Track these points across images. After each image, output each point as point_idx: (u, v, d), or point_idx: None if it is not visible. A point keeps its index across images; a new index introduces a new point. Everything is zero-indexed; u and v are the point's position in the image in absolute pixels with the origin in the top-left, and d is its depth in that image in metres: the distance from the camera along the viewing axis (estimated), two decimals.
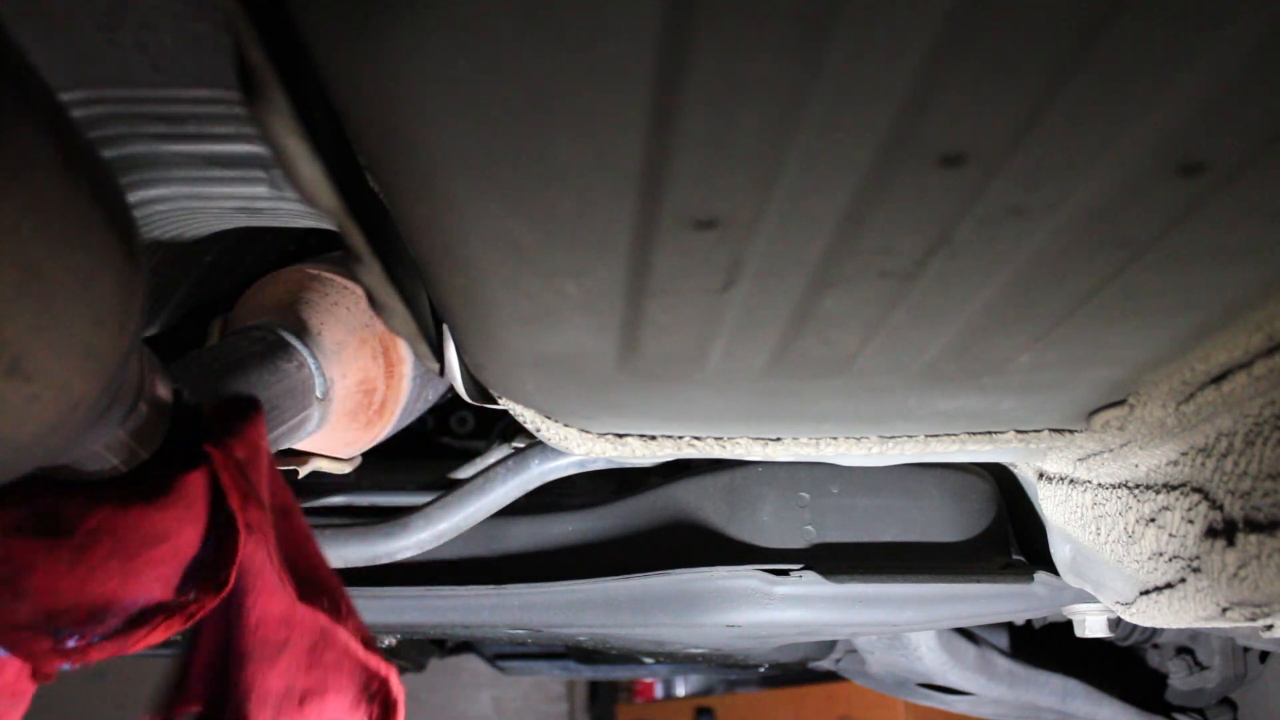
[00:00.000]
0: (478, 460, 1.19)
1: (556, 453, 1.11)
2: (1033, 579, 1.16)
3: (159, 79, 0.75)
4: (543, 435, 0.94)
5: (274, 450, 0.81)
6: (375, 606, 1.22)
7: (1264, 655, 1.67)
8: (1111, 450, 0.91)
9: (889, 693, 1.86)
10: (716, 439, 0.95)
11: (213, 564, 0.65)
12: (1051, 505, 1.05)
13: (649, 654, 1.88)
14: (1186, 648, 1.69)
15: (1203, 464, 0.81)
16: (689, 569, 1.13)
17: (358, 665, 0.74)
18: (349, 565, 1.15)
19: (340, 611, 0.73)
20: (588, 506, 1.23)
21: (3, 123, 0.40)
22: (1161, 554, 0.88)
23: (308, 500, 1.24)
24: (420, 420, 1.41)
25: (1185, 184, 0.51)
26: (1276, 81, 0.44)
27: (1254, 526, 0.74)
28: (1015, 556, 1.22)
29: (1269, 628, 0.84)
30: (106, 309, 0.48)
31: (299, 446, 1.01)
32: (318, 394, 0.96)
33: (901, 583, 1.13)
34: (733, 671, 3.60)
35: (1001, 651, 1.57)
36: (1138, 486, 0.92)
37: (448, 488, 1.16)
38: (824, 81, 0.44)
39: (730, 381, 0.78)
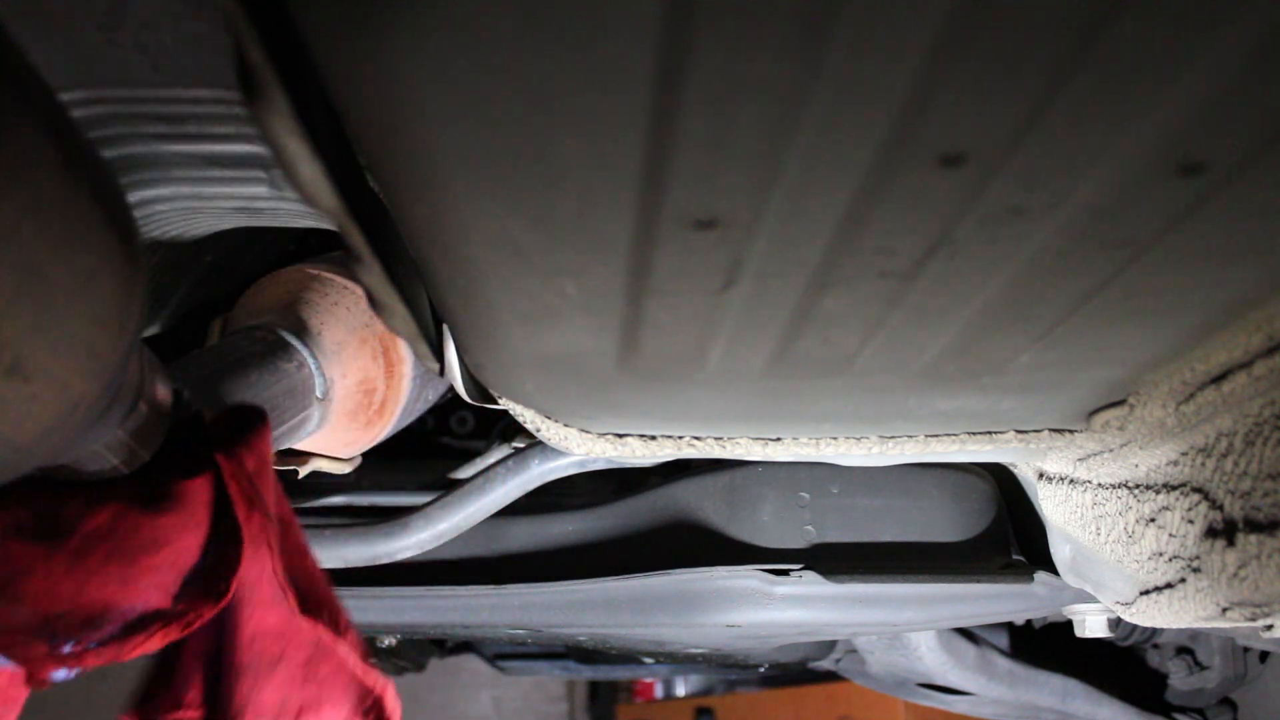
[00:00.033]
0: (478, 460, 1.19)
1: (556, 453, 1.11)
2: (1033, 579, 1.16)
3: (159, 79, 0.75)
4: (543, 435, 0.94)
5: (274, 450, 0.81)
6: (375, 606, 1.22)
7: (1264, 655, 1.67)
8: (1111, 450, 0.91)
9: (889, 693, 1.86)
10: (716, 439, 0.95)
11: (213, 573, 0.65)
12: (1051, 505, 1.05)
13: (649, 654, 1.88)
14: (1186, 648, 1.69)
15: (1203, 464, 0.81)
16: (689, 569, 1.13)
17: (353, 680, 0.74)
18: (349, 565, 1.15)
19: (339, 625, 0.73)
20: (588, 506, 1.23)
21: (3, 123, 0.40)
22: (1161, 554, 0.88)
23: (308, 500, 1.24)
24: (420, 420, 1.41)
25: (1185, 184, 0.51)
26: (1276, 81, 0.44)
27: (1254, 526, 0.74)
28: (1015, 556, 1.22)
29: (1269, 628, 0.84)
30: (106, 309, 0.48)
31: (299, 446, 1.01)
32: (318, 394, 0.96)
33: (901, 583, 1.13)
34: (733, 671, 3.60)
35: (1001, 651, 1.57)
36: (1138, 486, 0.92)
37: (448, 488, 1.16)
38: (824, 81, 0.44)
39: (730, 381, 0.78)
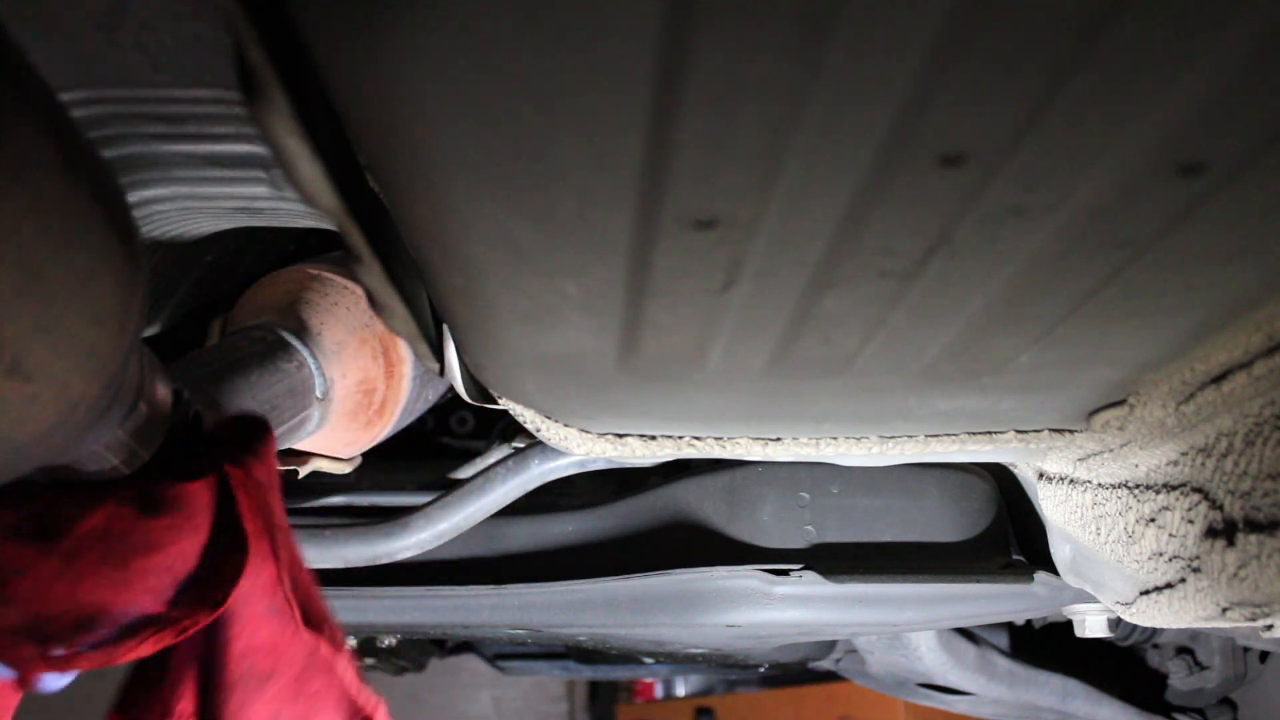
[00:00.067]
0: (478, 460, 1.19)
1: (556, 453, 1.11)
2: (1033, 579, 1.16)
3: (159, 79, 0.75)
4: (543, 435, 0.94)
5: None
6: (375, 606, 1.22)
7: (1264, 655, 1.67)
8: (1111, 450, 0.91)
9: (889, 693, 1.86)
10: (716, 439, 0.95)
11: (210, 581, 0.64)
12: (1051, 505, 1.05)
13: (649, 654, 1.88)
14: (1186, 648, 1.69)
15: (1203, 464, 0.81)
16: (689, 569, 1.13)
17: (344, 696, 0.73)
18: (349, 565, 1.15)
19: (336, 640, 0.73)
20: (588, 506, 1.23)
21: (3, 123, 0.40)
22: (1161, 554, 0.88)
23: (308, 500, 1.24)
24: (420, 420, 1.41)
25: (1185, 184, 0.51)
26: (1276, 81, 0.44)
27: (1254, 526, 0.74)
28: (1015, 556, 1.22)
29: (1269, 628, 0.84)
30: (106, 309, 0.48)
31: (299, 446, 1.01)
32: (318, 394, 0.96)
33: (901, 583, 1.13)
34: (733, 671, 3.60)
35: (1001, 651, 1.57)
36: (1138, 486, 0.92)
37: (448, 488, 1.16)
38: (824, 81, 0.44)
39: (730, 381, 0.78)
